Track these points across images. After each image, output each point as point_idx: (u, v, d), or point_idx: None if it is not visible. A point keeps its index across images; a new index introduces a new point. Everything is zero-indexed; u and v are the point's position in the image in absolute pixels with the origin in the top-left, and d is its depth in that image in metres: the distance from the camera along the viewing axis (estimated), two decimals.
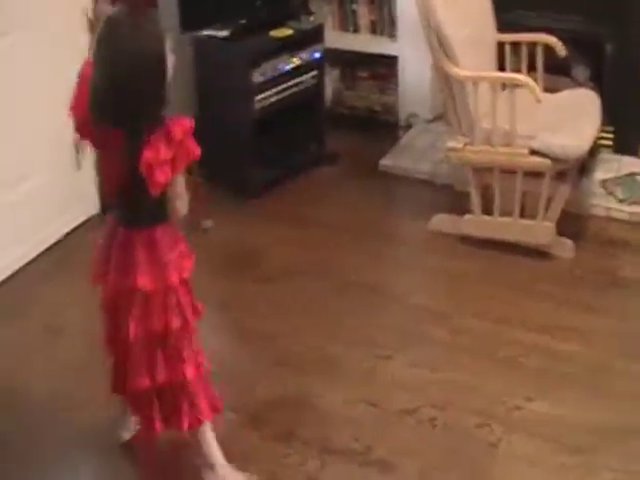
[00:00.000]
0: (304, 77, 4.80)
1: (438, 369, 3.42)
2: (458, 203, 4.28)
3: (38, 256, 4.25)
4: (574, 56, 4.64)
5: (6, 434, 3.25)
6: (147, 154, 2.54)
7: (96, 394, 3.16)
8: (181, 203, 2.68)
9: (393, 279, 4.05)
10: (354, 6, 5.28)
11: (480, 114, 3.94)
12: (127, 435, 3.17)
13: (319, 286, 3.97)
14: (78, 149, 2.78)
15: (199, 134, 4.89)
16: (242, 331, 3.75)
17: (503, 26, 4.36)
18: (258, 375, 3.46)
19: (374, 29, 5.27)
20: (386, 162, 4.89)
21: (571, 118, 4.04)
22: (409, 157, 4.90)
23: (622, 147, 4.72)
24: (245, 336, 3.72)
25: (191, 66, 4.76)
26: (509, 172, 3.98)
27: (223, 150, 4.75)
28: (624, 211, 4.32)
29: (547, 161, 3.86)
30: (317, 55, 4.83)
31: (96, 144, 2.70)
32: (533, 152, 3.89)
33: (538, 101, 3.83)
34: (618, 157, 4.70)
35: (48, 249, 4.27)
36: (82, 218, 4.40)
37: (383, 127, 5.28)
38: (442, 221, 4.28)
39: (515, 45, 4.32)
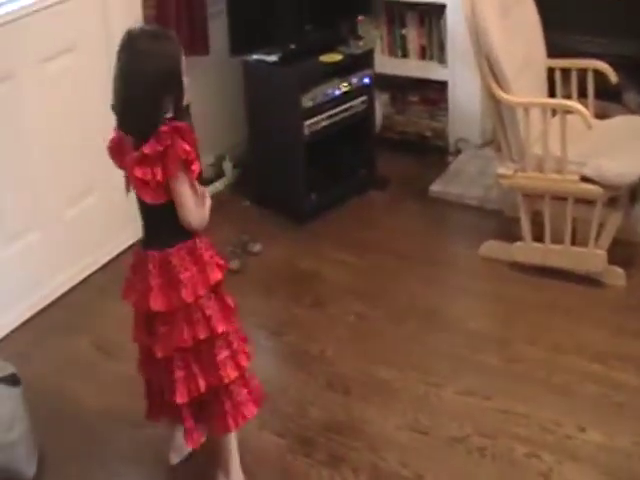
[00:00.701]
0: (354, 102, 4.81)
1: (490, 397, 3.41)
2: (508, 229, 4.27)
3: (94, 273, 4.34)
4: (625, 82, 4.61)
5: (60, 449, 3.31)
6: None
7: None
8: (188, 213, 2.68)
9: (445, 305, 4.03)
10: (403, 31, 5.29)
11: (531, 140, 3.93)
12: (176, 459, 3.20)
13: (372, 311, 3.98)
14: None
15: (249, 157, 4.99)
16: (294, 354, 3.77)
17: (554, 52, 4.35)
18: (309, 399, 3.47)
19: (423, 54, 5.28)
20: (436, 187, 4.89)
21: (622, 144, 4.01)
22: (459, 183, 4.90)
23: None
24: (297, 359, 3.73)
25: (241, 90, 4.81)
26: (560, 198, 3.97)
27: (274, 174, 4.80)
28: None
29: (598, 188, 3.83)
30: (367, 80, 4.83)
31: (121, 165, 2.76)
32: (584, 179, 3.86)
33: (589, 127, 3.81)
34: None
35: (104, 267, 4.36)
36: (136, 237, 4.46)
37: (433, 152, 5.27)
38: (493, 247, 4.27)
39: (566, 71, 4.30)
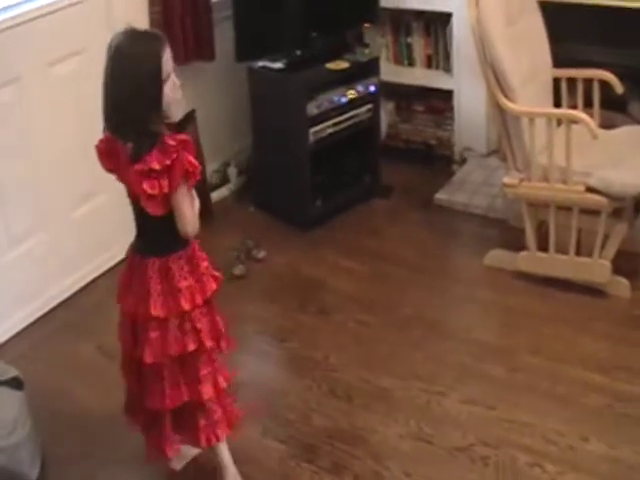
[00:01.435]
0: (359, 110, 4.81)
1: (493, 406, 3.41)
2: (513, 238, 4.26)
3: (99, 276, 4.36)
4: (631, 92, 4.61)
5: (62, 452, 3.34)
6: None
7: None
8: (187, 223, 2.69)
9: (449, 314, 4.03)
10: (409, 39, 5.29)
11: (536, 150, 3.92)
12: (179, 464, 3.20)
13: (375, 318, 3.98)
14: None
15: (255, 164, 4.99)
16: (297, 361, 3.77)
17: (559, 62, 4.35)
18: (312, 406, 3.47)
19: (429, 63, 5.28)
20: (441, 196, 4.89)
21: (628, 155, 4.01)
22: (464, 191, 4.90)
23: None
24: (300, 366, 3.73)
25: (247, 96, 4.82)
26: (565, 209, 3.96)
27: (279, 181, 4.80)
28: None
29: (603, 199, 3.83)
30: (372, 88, 4.83)
31: (115, 173, 2.76)
32: (589, 189, 3.86)
33: (595, 137, 3.81)
34: None
35: (109, 270, 4.35)
36: None
37: (438, 161, 5.27)
38: (497, 257, 4.27)
39: (571, 81, 4.30)
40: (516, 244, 4.18)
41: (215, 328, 2.87)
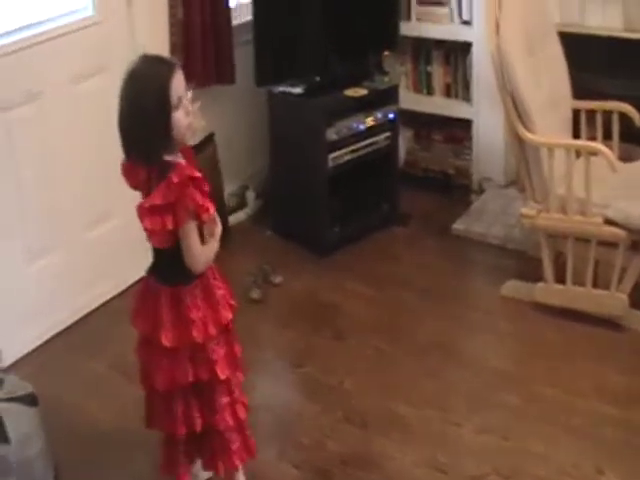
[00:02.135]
0: (378, 137, 4.83)
1: (508, 436, 3.40)
2: (531, 269, 4.26)
3: (114, 297, 4.37)
4: None
5: (75, 468, 3.34)
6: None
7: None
8: (194, 259, 2.68)
9: (466, 343, 4.02)
10: (429, 68, 5.31)
11: (554, 181, 3.93)
12: None
13: (391, 345, 3.97)
14: None
15: (272, 188, 5.00)
16: (312, 385, 3.76)
17: (579, 93, 4.36)
18: (326, 431, 3.47)
19: (448, 91, 5.29)
20: (458, 226, 4.89)
21: None
22: (482, 221, 4.89)
23: None
24: (315, 391, 3.72)
25: (266, 120, 4.84)
26: (583, 240, 3.96)
27: (296, 206, 4.81)
28: None
29: (621, 231, 3.83)
30: (391, 115, 4.85)
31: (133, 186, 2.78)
32: (607, 221, 3.86)
33: (614, 170, 3.80)
34: None
35: (123, 292, 4.36)
36: None
37: (456, 190, 5.28)
38: (515, 287, 4.27)
39: (591, 112, 4.31)
40: (533, 275, 4.17)
41: (233, 358, 2.86)
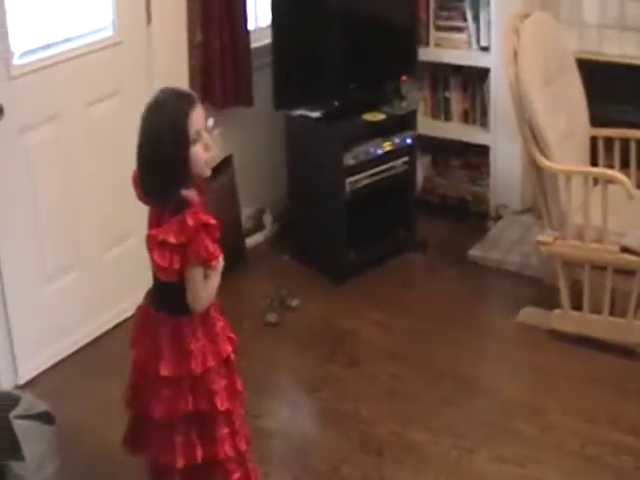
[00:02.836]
0: (395, 162, 4.83)
1: (523, 465, 3.38)
2: (548, 296, 4.25)
3: (130, 318, 4.33)
4: None
5: None
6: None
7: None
8: (195, 299, 2.68)
9: (482, 371, 4.02)
10: (447, 94, 5.32)
11: (572, 208, 3.93)
12: None
13: (407, 372, 3.96)
14: None
15: (290, 212, 5.00)
16: (327, 411, 3.76)
17: (596, 121, 4.37)
18: (341, 458, 3.45)
19: (466, 118, 5.30)
20: (475, 252, 4.88)
21: None
22: (498, 248, 4.88)
23: None
24: (330, 417, 3.72)
25: (283, 144, 4.86)
26: (600, 268, 3.95)
27: (313, 231, 4.82)
28: None
29: (638, 259, 3.82)
30: (409, 141, 4.86)
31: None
32: (624, 249, 3.85)
33: (631, 198, 3.80)
34: None
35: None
36: None
37: (473, 217, 5.26)
38: (531, 314, 4.26)
39: (608, 140, 4.32)
40: (550, 302, 4.17)
41: (234, 390, 2.84)
